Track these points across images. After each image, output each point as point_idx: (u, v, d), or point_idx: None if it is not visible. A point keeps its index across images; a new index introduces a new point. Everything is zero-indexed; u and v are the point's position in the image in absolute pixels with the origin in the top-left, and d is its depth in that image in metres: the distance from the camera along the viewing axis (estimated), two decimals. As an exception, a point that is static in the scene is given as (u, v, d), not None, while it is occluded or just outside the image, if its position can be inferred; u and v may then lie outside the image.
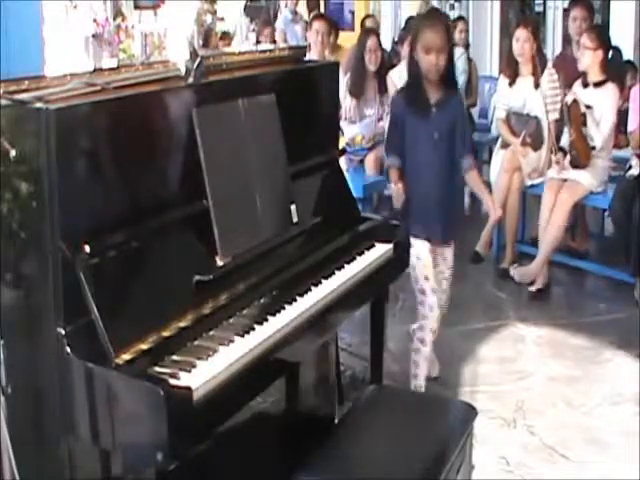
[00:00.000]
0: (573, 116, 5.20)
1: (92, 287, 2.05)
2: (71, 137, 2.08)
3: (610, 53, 5.39)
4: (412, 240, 3.45)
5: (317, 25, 6.32)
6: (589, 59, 5.23)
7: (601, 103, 5.20)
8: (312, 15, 7.52)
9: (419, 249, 3.60)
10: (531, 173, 5.55)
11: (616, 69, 5.48)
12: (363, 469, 2.32)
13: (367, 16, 8.94)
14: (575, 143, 5.19)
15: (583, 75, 5.34)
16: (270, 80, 2.90)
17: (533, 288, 5.20)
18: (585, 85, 5.31)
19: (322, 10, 9.28)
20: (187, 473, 2.14)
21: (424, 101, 3.62)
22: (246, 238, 2.56)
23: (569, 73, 5.60)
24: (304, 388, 3.08)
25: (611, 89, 5.23)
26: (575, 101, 5.23)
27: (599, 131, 5.19)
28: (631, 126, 5.21)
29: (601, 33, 5.41)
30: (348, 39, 8.70)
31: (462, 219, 4.12)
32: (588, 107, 5.21)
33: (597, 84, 5.25)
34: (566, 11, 6.25)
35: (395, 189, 3.66)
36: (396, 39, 8.37)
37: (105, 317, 2.04)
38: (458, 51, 6.96)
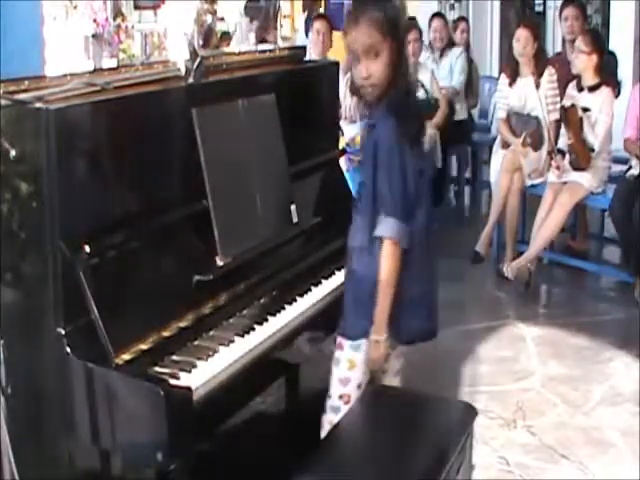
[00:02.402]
0: (571, 120, 5.19)
1: (92, 287, 2.05)
2: (71, 137, 2.08)
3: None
4: None
5: (318, 25, 6.32)
6: (583, 63, 5.23)
7: (596, 106, 5.19)
8: (313, 15, 7.51)
9: None
10: (531, 173, 5.55)
11: (611, 73, 5.47)
12: (363, 469, 2.32)
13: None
14: (574, 146, 5.18)
15: (577, 78, 5.34)
16: (270, 80, 2.91)
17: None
18: (580, 89, 5.31)
19: (321, 10, 9.26)
20: (187, 473, 2.14)
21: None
22: (246, 238, 2.56)
23: (564, 74, 5.59)
24: (304, 388, 3.08)
25: (606, 93, 5.23)
26: (573, 105, 5.23)
27: (595, 134, 5.19)
28: (626, 132, 5.20)
29: (596, 37, 5.41)
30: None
31: (354, 308, 2.55)
32: (585, 110, 5.20)
33: (591, 88, 5.24)
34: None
35: None
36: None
37: (105, 317, 2.04)
38: (457, 50, 6.96)
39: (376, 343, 2.49)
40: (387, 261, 2.43)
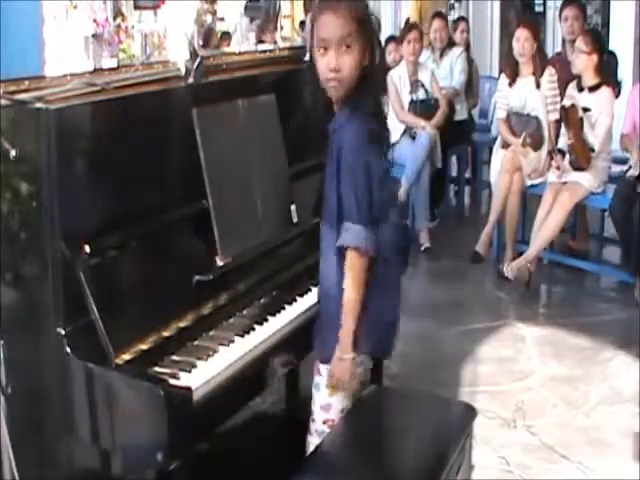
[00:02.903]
0: (571, 120, 5.20)
1: (92, 287, 2.05)
2: (71, 137, 2.08)
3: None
4: None
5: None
6: (583, 63, 5.23)
7: (596, 107, 5.20)
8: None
9: None
10: (531, 173, 5.55)
11: (611, 73, 5.47)
12: (363, 470, 2.32)
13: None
14: (574, 146, 5.19)
15: (578, 79, 5.34)
16: (270, 80, 2.90)
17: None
18: (580, 89, 5.31)
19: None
20: (187, 473, 2.14)
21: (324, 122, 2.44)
22: (246, 238, 2.56)
23: (564, 74, 5.60)
24: (304, 388, 3.08)
25: (606, 93, 5.23)
26: (573, 105, 5.23)
27: (595, 135, 5.19)
28: (624, 128, 5.20)
29: (596, 37, 5.41)
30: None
31: (328, 329, 2.37)
32: (585, 110, 5.21)
33: (592, 88, 5.25)
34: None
35: None
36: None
37: (105, 317, 2.04)
38: (457, 50, 6.96)
39: (340, 361, 2.32)
40: (352, 273, 2.27)
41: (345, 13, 2.25)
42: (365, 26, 2.28)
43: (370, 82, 2.32)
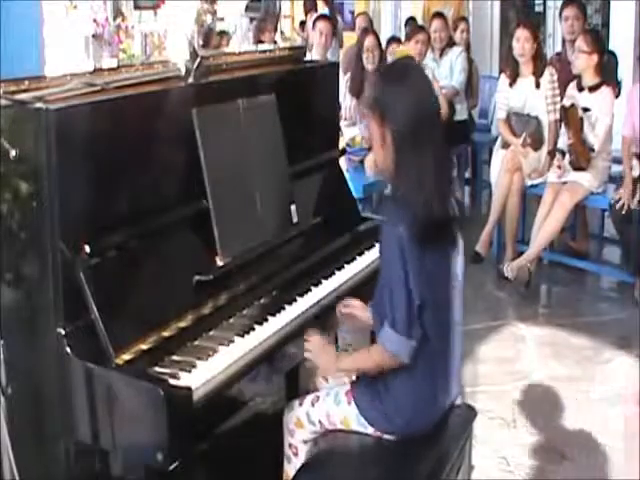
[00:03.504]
0: (571, 120, 5.20)
1: (92, 287, 2.05)
2: (71, 137, 2.08)
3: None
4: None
5: (321, 26, 6.31)
6: (584, 63, 5.23)
7: (596, 106, 5.20)
8: (315, 15, 7.51)
9: None
10: (531, 173, 5.55)
11: (611, 73, 5.47)
12: (363, 469, 2.32)
13: (359, 14, 8.94)
14: (574, 146, 5.19)
15: (578, 78, 5.34)
16: (270, 80, 2.90)
17: None
18: (580, 89, 5.31)
19: (320, 11, 9.26)
20: (187, 473, 2.14)
21: None
22: (246, 238, 2.56)
23: (564, 74, 5.59)
24: (304, 388, 3.07)
25: (606, 93, 5.23)
26: (573, 105, 5.23)
27: (595, 134, 5.19)
28: (623, 131, 5.21)
29: (596, 37, 5.41)
30: (348, 39, 8.71)
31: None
32: (585, 110, 5.21)
33: (592, 88, 5.25)
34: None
35: None
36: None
37: (105, 317, 2.04)
38: (457, 50, 6.96)
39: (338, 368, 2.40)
40: (372, 358, 2.29)
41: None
42: (383, 115, 2.19)
43: (408, 174, 2.17)
